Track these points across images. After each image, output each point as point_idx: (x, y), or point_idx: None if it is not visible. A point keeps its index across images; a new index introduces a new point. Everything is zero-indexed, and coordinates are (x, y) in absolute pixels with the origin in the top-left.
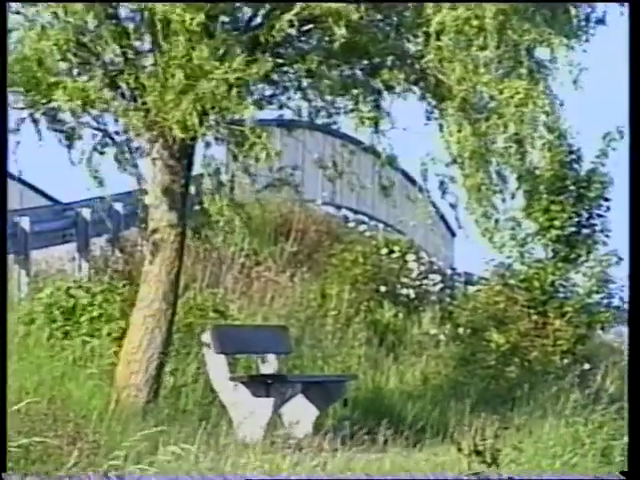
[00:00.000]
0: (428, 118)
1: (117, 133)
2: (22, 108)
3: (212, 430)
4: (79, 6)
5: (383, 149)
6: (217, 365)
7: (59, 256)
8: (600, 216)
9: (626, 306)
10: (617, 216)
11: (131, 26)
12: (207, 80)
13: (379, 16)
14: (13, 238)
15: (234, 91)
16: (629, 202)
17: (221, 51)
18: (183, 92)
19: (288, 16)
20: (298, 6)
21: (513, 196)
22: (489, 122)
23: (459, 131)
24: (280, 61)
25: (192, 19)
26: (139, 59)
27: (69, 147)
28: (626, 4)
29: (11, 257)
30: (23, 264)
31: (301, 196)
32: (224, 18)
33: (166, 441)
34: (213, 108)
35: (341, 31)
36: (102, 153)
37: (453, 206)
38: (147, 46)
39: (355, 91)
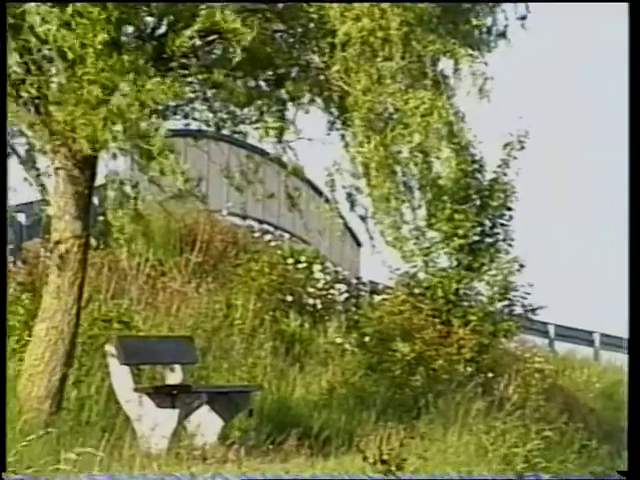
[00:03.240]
0: (330, 129)
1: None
2: None
3: (115, 442)
4: None
5: (289, 159)
6: (121, 376)
7: None
8: (503, 225)
9: (528, 314)
10: (519, 223)
11: (33, 39)
12: (119, 97)
13: (283, 27)
14: None
15: (146, 110)
16: (629, 202)
17: (130, 66)
18: (94, 107)
19: (189, 32)
20: (200, 21)
21: (419, 206)
22: (394, 132)
23: (365, 142)
24: (184, 72)
25: (95, 36)
26: (43, 71)
27: None
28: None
29: None
30: None
31: (206, 206)
32: (129, 28)
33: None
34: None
35: (238, 50)
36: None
37: (363, 218)
38: (50, 57)
39: (260, 102)
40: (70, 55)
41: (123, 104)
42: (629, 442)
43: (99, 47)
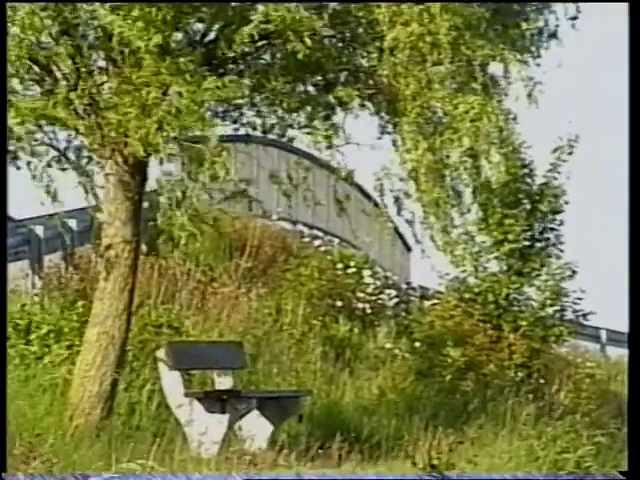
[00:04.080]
0: (382, 133)
1: (69, 148)
2: None
3: (166, 447)
4: (36, 22)
5: (338, 164)
6: (172, 381)
7: (12, 274)
8: (553, 229)
9: (579, 319)
10: (571, 229)
11: (85, 44)
12: (175, 99)
13: (332, 32)
14: None
15: (201, 110)
16: (629, 204)
17: (185, 67)
18: (147, 110)
19: (247, 29)
20: (256, 20)
21: (468, 210)
22: (444, 137)
23: (414, 146)
24: (235, 77)
25: (149, 39)
26: (93, 76)
27: (28, 164)
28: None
29: None
30: None
31: (257, 211)
32: (178, 35)
33: (119, 458)
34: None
35: (304, 45)
36: (63, 169)
37: (410, 222)
38: (102, 63)
39: (309, 107)
40: (125, 57)
41: (181, 104)
42: (629, 442)
43: (154, 49)
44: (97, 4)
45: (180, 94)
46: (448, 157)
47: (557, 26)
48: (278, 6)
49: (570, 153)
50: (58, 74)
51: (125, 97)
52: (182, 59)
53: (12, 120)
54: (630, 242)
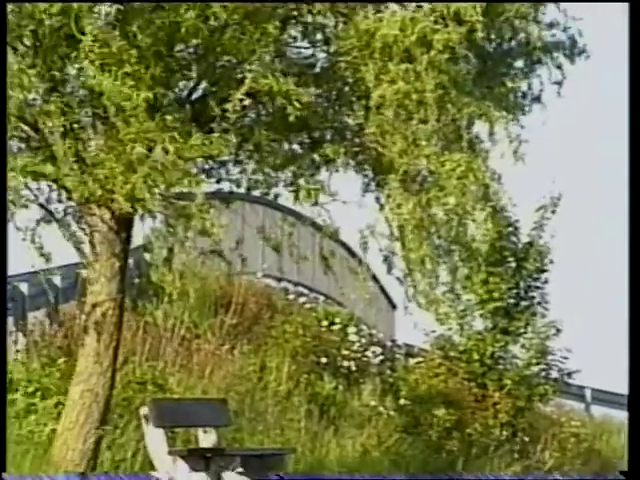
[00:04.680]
0: (365, 191)
1: (54, 204)
2: None
3: None
4: (25, 80)
5: (324, 221)
6: (156, 439)
7: None
8: (538, 288)
9: (564, 378)
10: (556, 287)
11: (74, 101)
12: (162, 156)
13: (318, 90)
14: None
15: (187, 166)
16: (629, 205)
17: (172, 126)
18: (133, 166)
19: (238, 94)
20: (248, 82)
21: (456, 268)
22: (430, 194)
23: (401, 204)
24: (222, 134)
25: (138, 95)
26: (80, 133)
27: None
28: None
29: None
30: None
31: (242, 268)
32: (163, 91)
33: None
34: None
35: (294, 108)
36: (48, 223)
37: (400, 280)
38: (88, 119)
39: (294, 165)
40: (113, 114)
41: (167, 161)
42: (629, 442)
43: (142, 106)
44: (85, 62)
45: (166, 151)
46: (434, 215)
47: (541, 90)
48: (267, 75)
49: (554, 212)
50: (45, 131)
51: (111, 153)
52: (169, 116)
53: (15, 176)
54: (630, 244)
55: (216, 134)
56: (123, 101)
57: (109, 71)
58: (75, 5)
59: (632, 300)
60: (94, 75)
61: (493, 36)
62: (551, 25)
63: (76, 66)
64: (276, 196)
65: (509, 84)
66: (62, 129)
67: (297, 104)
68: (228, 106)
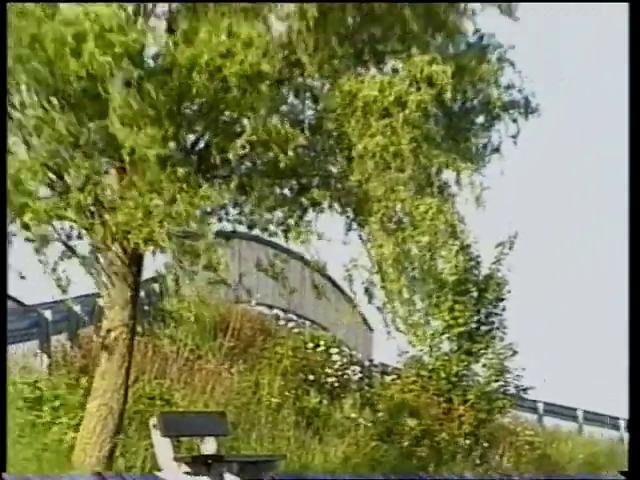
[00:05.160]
0: (348, 230)
1: (75, 242)
2: None
3: None
4: (54, 133)
5: (311, 257)
6: (163, 447)
7: (24, 353)
8: (497, 314)
9: (520, 393)
10: (513, 313)
11: (96, 153)
12: (175, 205)
13: (307, 142)
14: None
15: (197, 213)
16: (629, 207)
17: (182, 177)
18: (151, 212)
19: (239, 142)
20: (248, 132)
21: (430, 297)
22: (406, 233)
23: (380, 242)
24: (223, 186)
25: (154, 150)
26: (100, 181)
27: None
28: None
29: None
30: None
31: (238, 297)
32: (173, 144)
33: None
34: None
35: (286, 156)
36: (70, 257)
37: (380, 308)
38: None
39: (285, 207)
40: (130, 165)
41: (180, 209)
42: (629, 442)
43: (155, 159)
44: (110, 120)
45: (180, 201)
46: (409, 250)
47: (500, 142)
48: (267, 122)
49: (511, 248)
50: (68, 179)
51: (129, 200)
52: (180, 169)
53: (29, 220)
54: (630, 246)
55: (220, 185)
56: (142, 155)
57: (130, 127)
58: (101, 69)
59: (632, 303)
60: (117, 131)
61: (459, 97)
62: (508, 87)
63: (98, 122)
64: (271, 235)
65: (472, 138)
66: (84, 177)
67: (291, 152)
68: (230, 154)
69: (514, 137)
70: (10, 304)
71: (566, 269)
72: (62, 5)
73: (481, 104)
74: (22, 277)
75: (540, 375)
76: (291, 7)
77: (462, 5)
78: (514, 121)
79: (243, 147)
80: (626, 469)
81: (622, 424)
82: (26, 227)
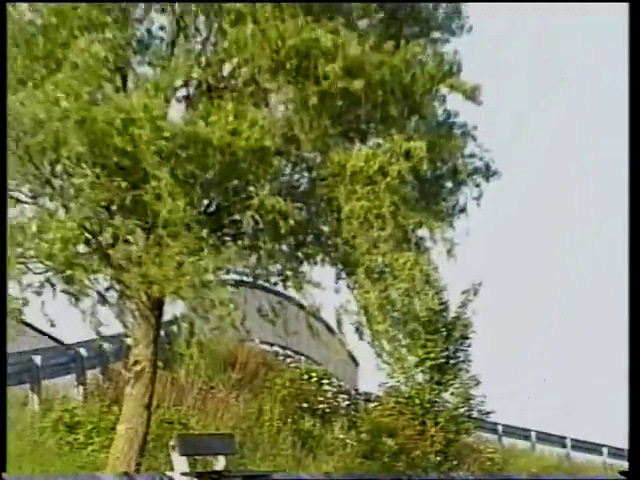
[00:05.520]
0: (338, 279)
1: (107, 291)
2: (41, 273)
3: None
4: (99, 197)
5: (307, 303)
6: (180, 464)
7: (63, 385)
8: (463, 350)
9: (483, 416)
10: (476, 349)
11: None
12: (200, 264)
13: (301, 205)
14: (28, 371)
15: (218, 276)
16: (629, 208)
17: (203, 239)
18: (179, 268)
19: (250, 212)
20: (256, 203)
21: (409, 335)
22: (387, 282)
23: (367, 289)
24: (237, 250)
25: (182, 215)
26: (131, 240)
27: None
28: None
29: (26, 385)
30: (36, 390)
31: (245, 337)
32: (195, 212)
33: None
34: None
35: (287, 223)
36: (103, 303)
37: (370, 344)
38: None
39: (283, 260)
40: (158, 227)
41: (208, 267)
42: (629, 442)
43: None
44: (147, 195)
45: (204, 259)
46: (390, 296)
47: (466, 203)
48: (272, 196)
49: (475, 294)
50: (102, 239)
51: (155, 257)
52: (200, 232)
53: (78, 275)
54: (630, 247)
55: (234, 249)
56: (173, 220)
57: (163, 197)
58: (144, 146)
59: (632, 308)
60: (151, 199)
61: (431, 166)
62: (471, 155)
63: (133, 191)
64: (274, 284)
65: (442, 201)
66: (116, 236)
67: (291, 221)
68: (240, 217)
69: (477, 199)
70: (51, 343)
71: (527, 312)
72: (112, 92)
73: (449, 171)
74: (52, 325)
75: (499, 402)
76: (291, 94)
77: (434, 91)
78: (477, 185)
79: (253, 216)
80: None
81: (568, 443)
82: (72, 277)
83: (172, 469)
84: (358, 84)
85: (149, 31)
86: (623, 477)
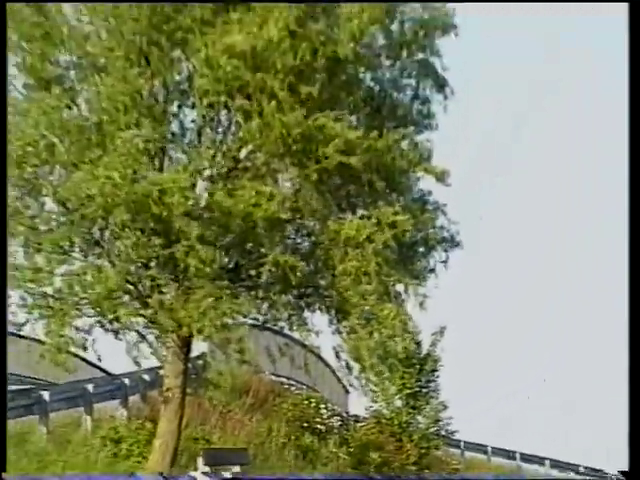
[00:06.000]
0: (331, 323)
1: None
2: (92, 317)
3: None
4: (141, 253)
5: (309, 343)
6: (204, 473)
7: (110, 408)
8: (433, 381)
9: (449, 435)
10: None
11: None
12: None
13: (302, 263)
14: (82, 397)
15: (236, 319)
16: (629, 208)
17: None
18: (204, 313)
19: (266, 267)
20: (271, 261)
21: (388, 369)
22: (374, 327)
23: (357, 333)
24: (250, 299)
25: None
26: (164, 289)
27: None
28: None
29: (81, 409)
30: (89, 412)
31: (257, 370)
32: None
33: None
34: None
35: (295, 276)
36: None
37: (357, 378)
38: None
39: (289, 308)
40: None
41: (226, 311)
42: (629, 442)
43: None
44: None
45: (222, 305)
46: (375, 338)
47: (435, 265)
48: (284, 254)
49: (442, 334)
50: (141, 289)
51: (185, 302)
52: (221, 284)
53: (122, 318)
54: (630, 247)
55: (248, 297)
56: (200, 274)
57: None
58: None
59: (632, 312)
60: (182, 256)
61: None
62: (442, 227)
63: (167, 250)
64: (281, 327)
65: (416, 262)
66: (152, 287)
67: (299, 274)
68: (262, 274)
69: (444, 262)
70: (100, 373)
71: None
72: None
73: (422, 239)
74: (99, 359)
75: (463, 423)
76: (295, 173)
77: (411, 172)
78: (445, 251)
79: (269, 271)
80: None
81: (518, 455)
82: (117, 319)
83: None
84: (354, 160)
85: (182, 123)
86: (623, 477)
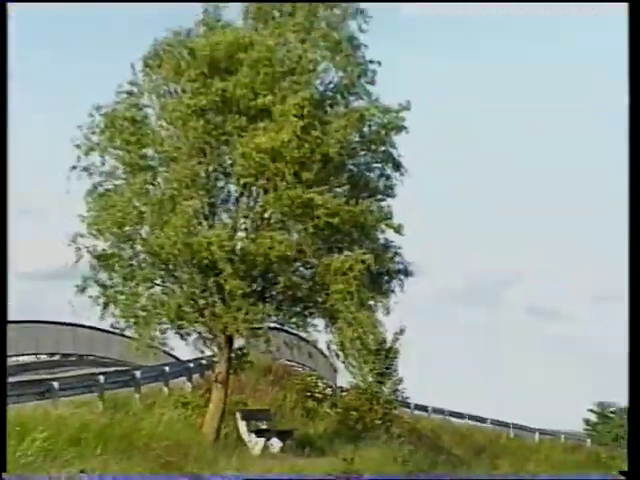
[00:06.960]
0: (326, 326)
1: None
2: (167, 323)
3: (234, 451)
4: (192, 282)
5: (312, 339)
6: (242, 425)
7: (180, 382)
8: (393, 365)
9: (404, 400)
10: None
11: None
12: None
13: (305, 284)
14: (162, 375)
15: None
16: (629, 208)
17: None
18: (236, 318)
19: (280, 287)
20: (283, 282)
21: (364, 356)
22: (354, 328)
23: (344, 331)
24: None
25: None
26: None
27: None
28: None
29: (161, 383)
30: (166, 385)
31: (275, 357)
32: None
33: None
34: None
35: (302, 292)
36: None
37: (343, 363)
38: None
39: (296, 316)
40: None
41: (252, 317)
42: (629, 442)
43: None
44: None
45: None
46: (357, 338)
47: (395, 288)
48: (292, 280)
49: (401, 333)
50: (199, 304)
51: (227, 311)
52: (249, 300)
53: (186, 324)
54: (630, 248)
55: (269, 309)
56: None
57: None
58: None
59: (632, 310)
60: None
61: (376, 267)
62: (399, 262)
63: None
64: (291, 328)
65: (383, 285)
66: (207, 304)
67: (305, 290)
68: (278, 295)
69: (401, 285)
70: (172, 360)
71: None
72: (202, 228)
73: (386, 270)
74: (172, 350)
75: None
76: (298, 227)
77: (377, 227)
78: (400, 279)
79: (282, 292)
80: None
81: (466, 416)
82: (180, 327)
83: (237, 429)
84: (336, 220)
85: (228, 194)
86: (623, 477)
